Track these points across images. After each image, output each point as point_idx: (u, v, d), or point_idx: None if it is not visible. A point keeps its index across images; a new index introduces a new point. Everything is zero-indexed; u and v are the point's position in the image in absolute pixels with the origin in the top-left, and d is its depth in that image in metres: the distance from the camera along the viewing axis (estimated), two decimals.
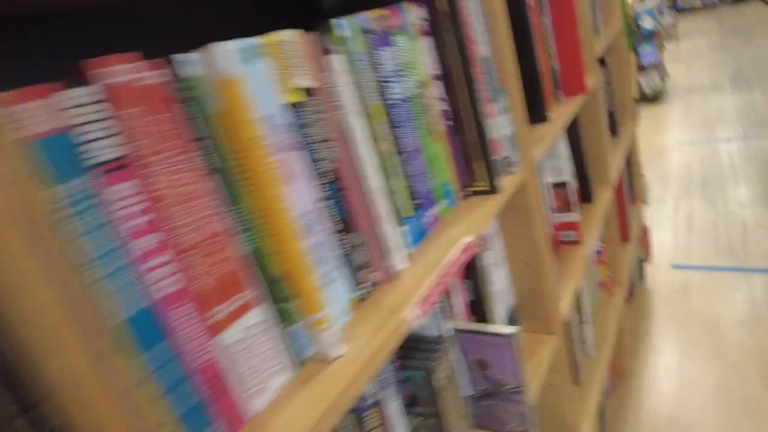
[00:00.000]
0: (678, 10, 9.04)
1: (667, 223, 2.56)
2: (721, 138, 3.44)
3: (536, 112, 0.90)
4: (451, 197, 0.64)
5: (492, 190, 0.65)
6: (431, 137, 0.60)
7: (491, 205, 0.64)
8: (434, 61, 0.60)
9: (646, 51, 4.41)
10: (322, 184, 0.45)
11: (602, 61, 1.53)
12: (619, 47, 1.64)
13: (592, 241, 1.13)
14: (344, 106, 0.46)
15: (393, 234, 0.51)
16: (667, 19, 7.54)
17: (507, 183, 0.68)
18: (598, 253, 1.31)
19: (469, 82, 0.61)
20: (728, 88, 4.54)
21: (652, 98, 4.60)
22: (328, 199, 0.45)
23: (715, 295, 1.96)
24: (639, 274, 1.95)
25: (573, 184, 1.01)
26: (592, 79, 1.15)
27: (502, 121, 0.67)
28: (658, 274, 2.16)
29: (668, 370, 1.69)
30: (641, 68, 4.47)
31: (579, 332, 1.11)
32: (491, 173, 0.65)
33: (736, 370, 1.62)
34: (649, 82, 4.49)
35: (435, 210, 0.61)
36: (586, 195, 1.21)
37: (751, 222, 2.37)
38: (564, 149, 1.13)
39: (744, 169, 2.92)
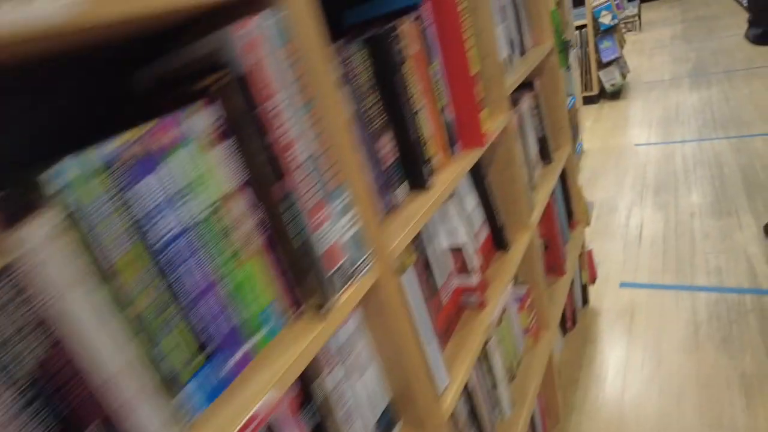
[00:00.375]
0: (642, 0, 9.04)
1: (618, 234, 2.51)
2: (677, 139, 3.41)
3: (416, 181, 0.80)
4: (276, 322, 0.54)
5: (325, 307, 0.55)
6: (239, 260, 0.50)
7: (326, 326, 0.54)
8: (239, 168, 0.50)
9: (606, 47, 4.35)
10: (21, 390, 0.34)
11: (530, 84, 1.43)
12: (549, 66, 1.55)
13: (503, 297, 1.05)
14: (56, 282, 0.35)
15: (157, 412, 0.41)
16: (631, 9, 7.52)
17: (353, 291, 0.58)
18: (521, 299, 1.22)
19: (283, 190, 0.50)
20: (687, 83, 4.52)
21: (612, 95, 4.56)
22: (31, 405, 0.34)
23: (659, 317, 1.91)
24: (582, 300, 1.89)
25: (471, 246, 0.92)
26: (501, 119, 1.05)
27: (342, 223, 0.57)
28: (606, 293, 2.11)
29: (609, 400, 1.63)
30: (601, 65, 4.42)
31: (490, 398, 1.03)
32: (325, 290, 0.54)
33: (677, 399, 1.57)
34: (609, 78, 4.44)
35: (246, 347, 0.51)
36: (501, 243, 1.12)
37: (699, 233, 2.33)
38: (471, 201, 1.04)
39: (696, 173, 2.89)
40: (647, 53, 5.96)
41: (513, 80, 1.16)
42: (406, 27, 0.79)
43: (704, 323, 1.83)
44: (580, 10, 4.38)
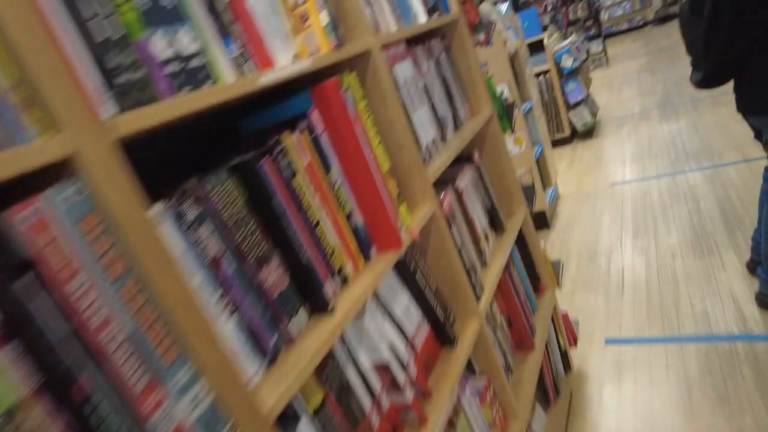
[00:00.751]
0: (606, 35, 9.34)
1: (599, 284, 2.41)
2: (652, 174, 3.37)
3: (316, 304, 0.72)
4: None
5: None
6: None
7: None
8: (32, 371, 0.42)
9: (572, 89, 4.41)
10: None
11: (469, 158, 1.39)
12: (490, 134, 1.51)
13: (450, 402, 0.95)
14: None
15: None
16: (597, 46, 7.74)
17: None
18: (480, 393, 1.12)
19: (83, 392, 0.42)
20: (656, 115, 4.56)
21: (584, 134, 4.58)
22: None
23: (649, 377, 1.79)
24: (564, 366, 1.77)
25: (399, 359, 0.83)
26: (426, 209, 0.99)
27: (185, 401, 0.48)
28: (591, 353, 1.99)
29: None
30: (570, 106, 4.46)
31: None
32: None
33: None
34: (579, 119, 4.47)
35: None
36: (445, 338, 1.03)
37: (682, 275, 2.24)
38: (402, 301, 0.96)
39: (674, 210, 2.83)
40: (616, 88, 6.07)
41: (442, 161, 1.11)
42: (292, 140, 0.74)
43: (697, 381, 1.71)
44: (541, 56, 4.47)
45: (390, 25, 1.11)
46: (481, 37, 1.56)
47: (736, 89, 1.63)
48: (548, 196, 3.22)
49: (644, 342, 1.97)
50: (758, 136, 1.68)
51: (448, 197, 1.18)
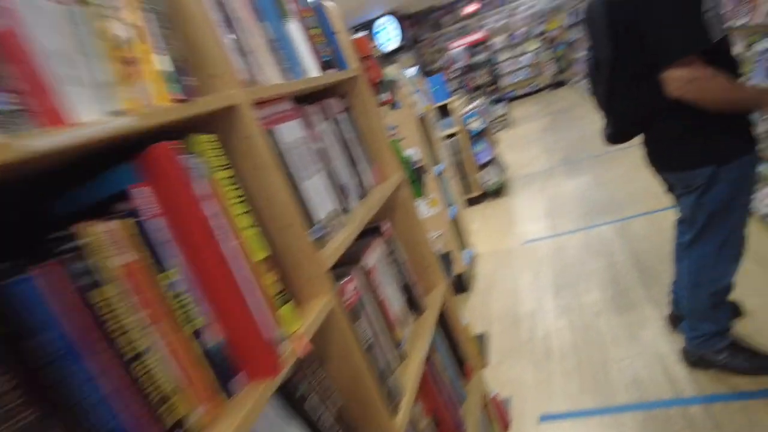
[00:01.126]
0: (509, 99, 10.03)
1: (525, 352, 2.28)
2: (564, 230, 3.42)
3: None
4: None
5: None
6: None
7: None
8: None
9: (481, 150, 4.51)
10: None
11: (378, 229, 1.20)
12: (401, 201, 1.34)
13: None
14: None
15: None
16: (502, 109, 8.22)
17: None
18: None
19: None
20: (562, 172, 4.77)
21: (495, 193, 4.66)
22: None
23: None
24: None
25: None
26: (321, 305, 0.76)
27: None
28: None
29: None
30: (480, 166, 4.54)
31: None
32: None
33: None
34: (489, 178, 4.56)
35: None
36: None
37: (608, 336, 2.16)
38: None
39: (590, 265, 2.83)
40: (521, 148, 6.38)
41: (344, 238, 0.91)
42: (100, 231, 0.50)
43: None
44: (449, 119, 4.57)
45: (272, 78, 0.92)
46: (386, 96, 1.43)
47: (644, 145, 1.61)
48: (465, 257, 3.13)
49: (580, 416, 1.81)
50: (671, 189, 1.66)
51: (354, 281, 0.96)
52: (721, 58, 1.34)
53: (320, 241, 0.87)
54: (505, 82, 11.11)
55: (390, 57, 10.80)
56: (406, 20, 11.35)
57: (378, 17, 10.26)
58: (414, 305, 1.24)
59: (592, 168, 4.54)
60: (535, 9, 11.03)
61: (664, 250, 2.67)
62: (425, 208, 2.87)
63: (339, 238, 0.91)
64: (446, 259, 2.43)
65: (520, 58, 11.28)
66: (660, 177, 1.65)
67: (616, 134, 1.60)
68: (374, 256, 1.09)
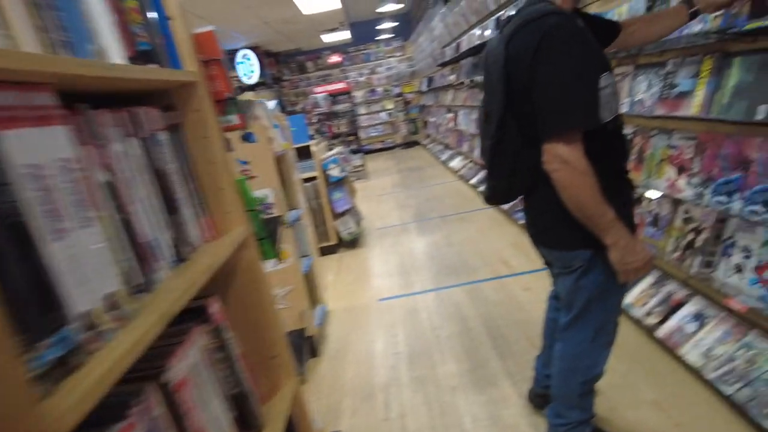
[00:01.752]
0: (365, 151, 10.20)
1: None
2: (417, 290, 3.28)
3: None
4: None
5: None
6: None
7: None
8: None
9: (338, 198, 4.29)
10: None
11: (203, 311, 0.80)
12: (244, 266, 0.96)
13: None
14: None
15: None
16: (358, 160, 8.24)
17: None
18: None
19: None
20: (414, 228, 4.76)
21: (350, 243, 4.44)
22: None
23: None
24: None
25: None
26: None
27: None
28: None
29: None
30: (336, 215, 4.30)
31: None
32: None
33: None
34: (345, 227, 4.33)
35: None
36: None
37: (468, 417, 1.97)
38: None
39: (444, 331, 2.68)
40: (376, 200, 6.35)
41: (134, 339, 0.50)
42: None
43: None
44: (309, 162, 4.29)
45: (23, 44, 0.51)
46: (234, 119, 1.06)
47: (525, 213, 1.48)
48: (317, 315, 2.77)
49: None
50: (548, 264, 1.54)
51: (140, 424, 0.55)
52: (609, 136, 1.25)
53: (64, 367, 0.45)
54: (363, 134, 11.34)
55: (252, 89, 10.31)
56: (271, 57, 11.05)
57: (240, 48, 9.78)
58: (247, 423, 0.84)
59: (442, 228, 4.61)
60: (392, 72, 11.63)
61: (515, 318, 2.65)
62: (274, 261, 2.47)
63: (126, 341, 0.50)
64: (300, 342, 2.05)
65: (378, 115, 11.69)
66: (537, 250, 1.53)
67: (495, 195, 1.44)
68: (189, 360, 0.69)
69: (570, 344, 1.44)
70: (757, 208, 1.64)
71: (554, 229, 1.34)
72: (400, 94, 11.60)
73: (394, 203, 6.01)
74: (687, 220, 2.00)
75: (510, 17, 1.28)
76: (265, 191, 2.40)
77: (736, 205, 1.72)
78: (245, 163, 2.35)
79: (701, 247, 1.91)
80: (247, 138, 2.36)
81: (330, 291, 3.46)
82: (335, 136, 7.96)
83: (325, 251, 4.30)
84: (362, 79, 11.67)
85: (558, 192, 1.19)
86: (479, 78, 5.20)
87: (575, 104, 1.14)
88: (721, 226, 1.86)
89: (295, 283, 2.53)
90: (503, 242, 3.87)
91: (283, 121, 2.76)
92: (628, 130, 2.48)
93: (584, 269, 1.32)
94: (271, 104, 2.65)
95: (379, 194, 6.68)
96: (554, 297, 1.69)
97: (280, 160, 2.61)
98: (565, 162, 1.14)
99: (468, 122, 6.24)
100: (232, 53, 10.03)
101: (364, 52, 11.64)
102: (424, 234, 4.52)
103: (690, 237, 1.98)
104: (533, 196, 1.38)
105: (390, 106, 11.67)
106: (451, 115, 7.50)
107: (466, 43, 5.82)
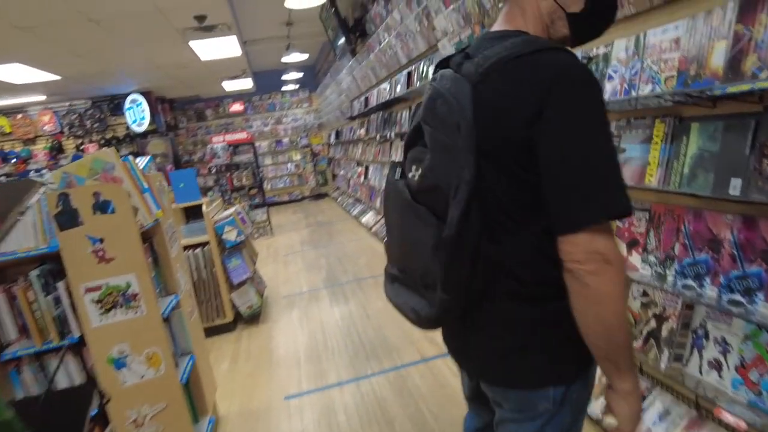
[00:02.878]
0: (270, 204, 9.56)
1: None
2: (332, 381, 2.74)
3: None
4: None
5: None
6: None
7: None
8: None
9: (235, 266, 3.67)
10: None
11: None
12: None
13: None
14: None
15: None
16: (261, 215, 7.60)
17: None
18: None
19: None
20: (326, 295, 4.24)
21: (250, 318, 3.80)
22: None
23: None
24: None
25: None
26: None
27: None
28: None
29: None
30: (233, 286, 3.67)
31: None
32: None
33: None
34: (244, 301, 3.70)
35: None
36: None
37: None
38: None
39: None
40: (282, 261, 5.74)
41: None
42: None
43: None
44: (200, 224, 3.66)
45: None
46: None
47: (456, 336, 1.03)
48: None
49: None
50: (484, 404, 1.10)
51: None
52: None
53: None
54: (267, 186, 10.72)
55: (141, 139, 9.36)
56: (165, 104, 10.20)
57: (130, 93, 8.88)
58: None
59: (357, 294, 4.14)
60: (299, 122, 11.31)
61: (450, 416, 2.21)
62: (143, 370, 1.84)
63: None
64: None
65: (285, 166, 11.20)
66: (473, 384, 1.11)
67: (446, 314, 0.92)
68: None
69: None
70: (737, 297, 1.39)
71: (517, 358, 0.92)
72: (307, 145, 11.24)
73: (303, 264, 5.46)
74: (648, 305, 1.73)
75: (466, 54, 0.90)
76: (127, 277, 1.79)
77: (710, 292, 1.47)
78: (98, 241, 1.74)
79: (668, 337, 1.63)
80: (102, 208, 1.78)
81: (223, 388, 2.80)
82: (235, 189, 7.31)
83: (219, 330, 3.62)
84: (267, 128, 11.18)
85: (583, 306, 0.81)
86: (391, 133, 4.96)
87: (618, 180, 0.77)
88: (689, 313, 1.60)
89: (170, 398, 1.90)
90: None
91: (160, 182, 2.19)
92: None
93: (552, 413, 0.92)
94: (142, 161, 2.08)
95: (286, 253, 6.09)
96: None
97: (150, 234, 2.02)
98: (608, 263, 0.76)
99: (380, 177, 5.96)
100: (121, 98, 9.10)
101: (269, 101, 11.22)
102: (338, 302, 4.02)
103: (653, 325, 1.70)
104: (484, 311, 0.92)
105: (297, 157, 11.25)
106: (361, 169, 7.22)
107: (375, 98, 5.62)
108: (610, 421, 0.88)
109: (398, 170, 0.98)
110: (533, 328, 0.89)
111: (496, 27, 0.93)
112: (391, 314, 3.56)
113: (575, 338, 0.84)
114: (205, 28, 5.15)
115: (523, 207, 0.84)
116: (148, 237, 2.01)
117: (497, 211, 0.85)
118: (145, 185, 1.96)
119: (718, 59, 1.34)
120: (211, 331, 3.55)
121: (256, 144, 10.78)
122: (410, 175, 0.92)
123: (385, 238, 1.06)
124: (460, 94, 0.81)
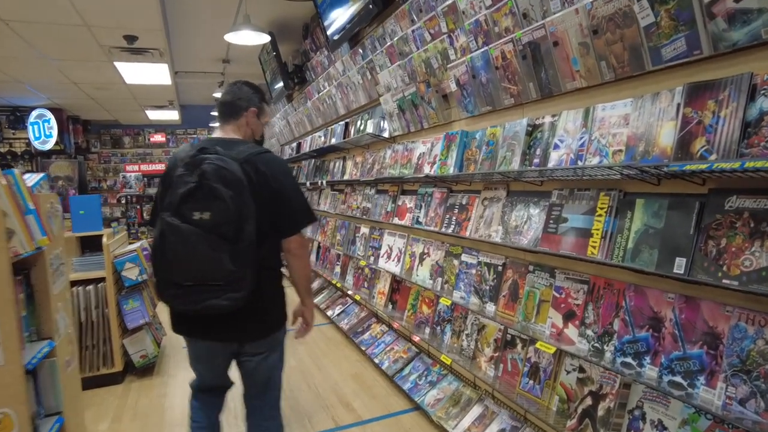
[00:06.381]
0: None
1: None
2: None
3: None
4: None
5: None
6: None
7: None
8: None
9: (132, 309, 3.23)
10: None
11: None
12: None
13: None
14: None
15: None
16: None
17: None
18: None
19: None
20: None
21: (142, 370, 3.32)
22: None
23: None
24: None
25: None
26: None
27: None
28: None
29: None
30: (126, 331, 3.21)
31: None
32: None
33: None
34: (138, 349, 3.23)
35: None
36: None
37: None
38: None
39: None
40: None
41: None
42: None
43: None
44: (97, 257, 3.21)
45: None
46: None
47: (229, 320, 1.50)
48: None
49: None
50: (225, 360, 1.70)
51: None
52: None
53: None
54: None
55: (44, 158, 8.48)
56: (78, 124, 9.41)
57: (37, 107, 8.09)
58: None
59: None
60: None
61: None
62: None
63: None
64: None
65: None
66: (229, 350, 1.63)
67: (248, 293, 1.46)
68: None
69: (276, 422, 1.74)
70: (678, 379, 1.35)
71: (271, 316, 1.63)
72: None
73: None
74: (584, 381, 1.66)
75: (205, 148, 1.47)
76: None
77: (650, 372, 1.42)
78: None
79: (604, 416, 1.55)
80: None
81: None
82: (145, 224, 6.72)
83: (104, 381, 3.11)
84: None
85: (297, 267, 1.66)
86: (323, 181, 4.83)
87: (308, 210, 1.65)
88: (626, 393, 1.54)
89: None
90: (342, 373, 3.24)
91: (51, 204, 1.86)
92: (498, 261, 2.19)
93: (281, 343, 1.71)
94: (32, 178, 1.76)
95: None
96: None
97: (28, 264, 1.67)
98: (303, 245, 1.66)
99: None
100: (25, 111, 8.26)
101: (194, 136, 10.76)
102: None
103: (588, 402, 1.62)
104: (260, 294, 1.50)
105: None
106: None
107: (308, 144, 5.51)
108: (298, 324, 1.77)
109: (174, 219, 1.39)
110: (274, 297, 1.64)
111: (223, 135, 1.66)
112: (302, 374, 3.26)
113: (284, 306, 1.67)
114: (134, 50, 4.85)
115: (271, 225, 1.54)
116: (24, 268, 1.66)
117: (260, 229, 1.47)
118: (31, 206, 1.63)
119: (667, 138, 1.36)
120: (93, 381, 3.04)
121: None
122: (196, 217, 1.39)
123: (160, 265, 1.45)
124: (234, 167, 1.44)
